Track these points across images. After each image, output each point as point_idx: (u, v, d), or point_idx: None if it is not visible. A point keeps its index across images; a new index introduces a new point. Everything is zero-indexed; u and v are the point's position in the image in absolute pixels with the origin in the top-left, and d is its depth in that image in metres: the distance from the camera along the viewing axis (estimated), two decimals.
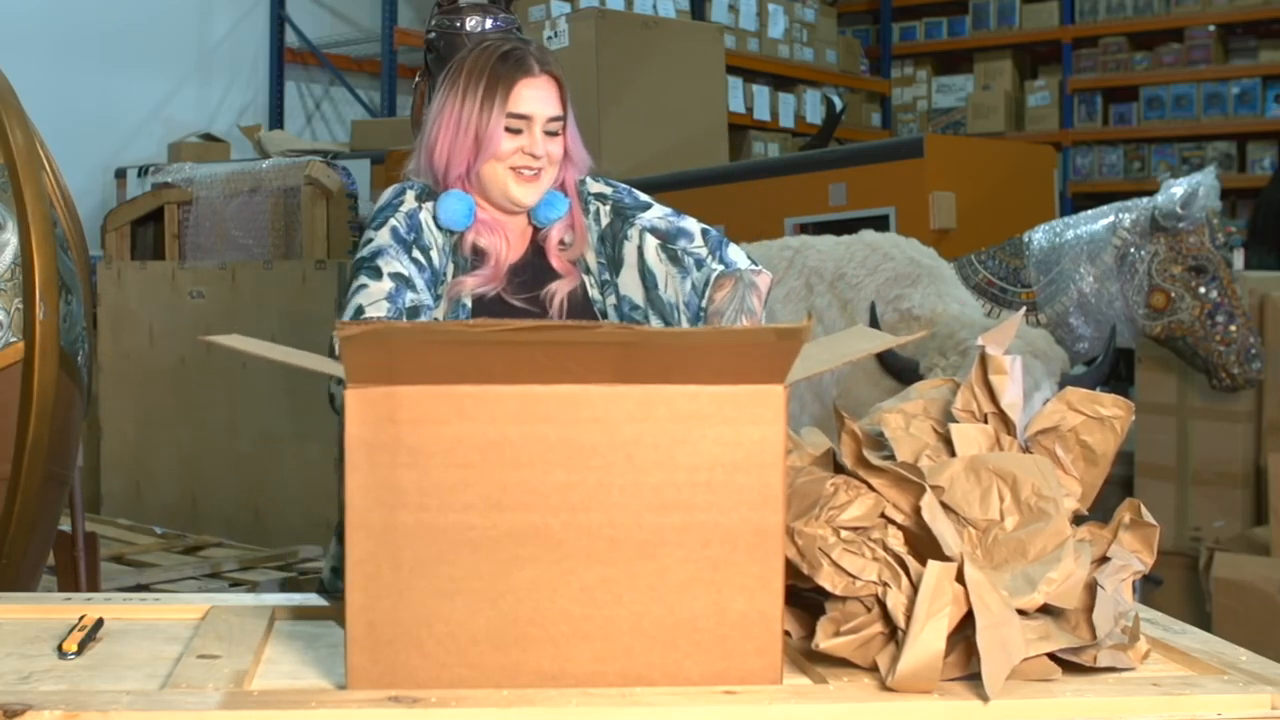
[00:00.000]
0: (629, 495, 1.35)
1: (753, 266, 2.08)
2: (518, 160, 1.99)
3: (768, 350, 1.35)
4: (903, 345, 2.96)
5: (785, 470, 1.38)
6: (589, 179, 2.12)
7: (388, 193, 2.07)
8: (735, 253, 2.09)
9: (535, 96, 1.99)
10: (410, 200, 2.03)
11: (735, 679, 1.36)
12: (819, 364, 1.53)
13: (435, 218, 2.01)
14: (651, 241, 2.05)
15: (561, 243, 2.07)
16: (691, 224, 2.09)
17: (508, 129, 1.98)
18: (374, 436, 1.35)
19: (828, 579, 1.40)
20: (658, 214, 2.10)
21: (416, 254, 1.97)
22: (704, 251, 2.06)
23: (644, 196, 2.14)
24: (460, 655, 1.35)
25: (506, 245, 2.04)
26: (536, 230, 2.08)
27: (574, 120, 2.06)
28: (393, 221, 1.99)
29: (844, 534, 1.42)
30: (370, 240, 1.97)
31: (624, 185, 2.15)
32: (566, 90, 2.04)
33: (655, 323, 2.04)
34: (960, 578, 1.35)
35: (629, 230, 2.07)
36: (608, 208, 2.10)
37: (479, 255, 2.03)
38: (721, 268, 2.05)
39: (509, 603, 1.35)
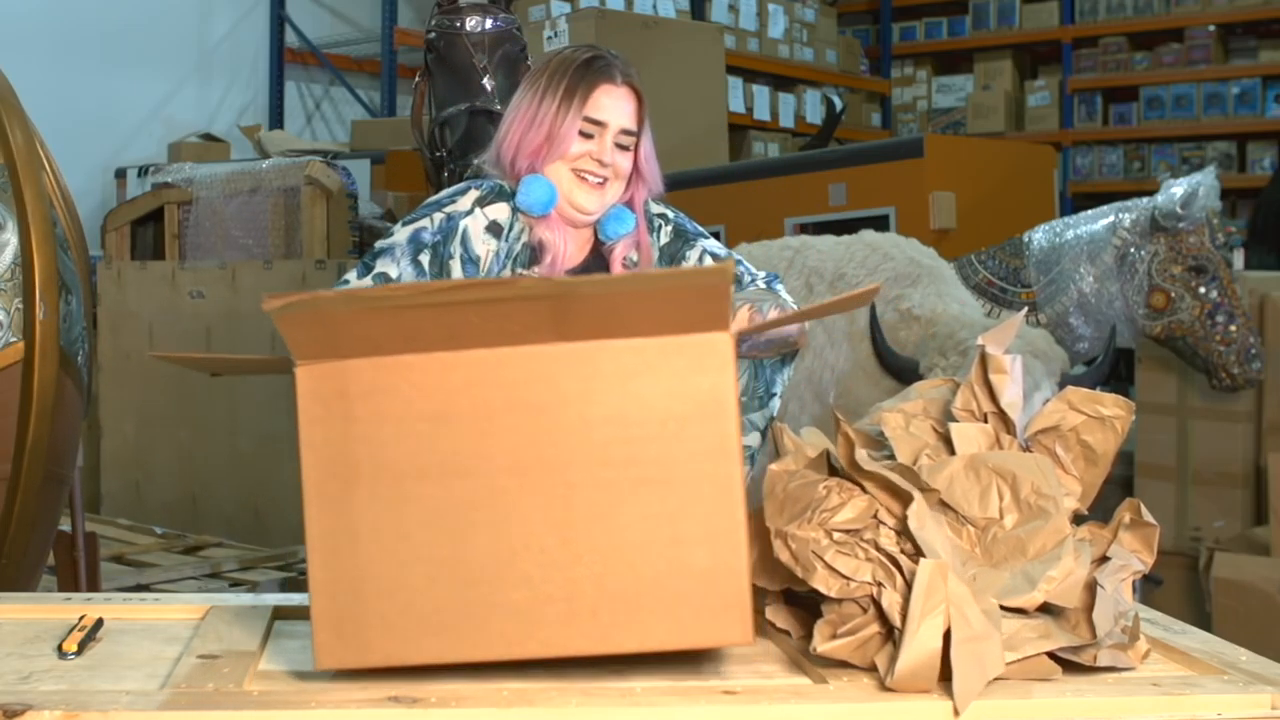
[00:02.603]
0: (582, 454, 1.35)
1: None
2: (584, 165, 1.98)
3: (698, 293, 1.33)
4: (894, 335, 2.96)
5: (739, 420, 1.37)
6: (651, 201, 2.11)
7: (452, 189, 2.07)
8: (783, 289, 2.09)
9: (613, 105, 1.98)
10: (465, 203, 2.01)
11: (705, 638, 1.35)
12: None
13: (514, 205, 2.00)
14: (709, 261, 2.06)
15: (627, 260, 2.06)
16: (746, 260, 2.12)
17: (581, 132, 1.97)
18: (326, 412, 1.36)
19: (822, 582, 1.40)
20: (716, 244, 2.12)
21: (425, 257, 1.96)
22: (758, 273, 2.08)
23: (702, 229, 2.16)
24: (423, 625, 1.34)
25: (566, 248, 2.02)
26: (601, 244, 2.07)
27: (650, 140, 2.05)
28: (423, 223, 1.98)
29: (836, 536, 1.42)
30: (392, 233, 1.98)
31: (683, 213, 2.16)
32: (645, 108, 2.03)
33: None
34: None
35: (688, 251, 2.08)
36: (669, 228, 2.10)
37: (539, 252, 2.02)
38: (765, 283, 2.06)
39: (469, 569, 1.34)
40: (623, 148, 2.00)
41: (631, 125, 2.00)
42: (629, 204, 2.05)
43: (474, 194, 2.02)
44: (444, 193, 2.05)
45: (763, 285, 2.07)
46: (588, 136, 1.98)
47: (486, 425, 1.35)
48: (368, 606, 1.35)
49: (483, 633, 1.34)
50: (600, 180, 1.99)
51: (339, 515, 1.36)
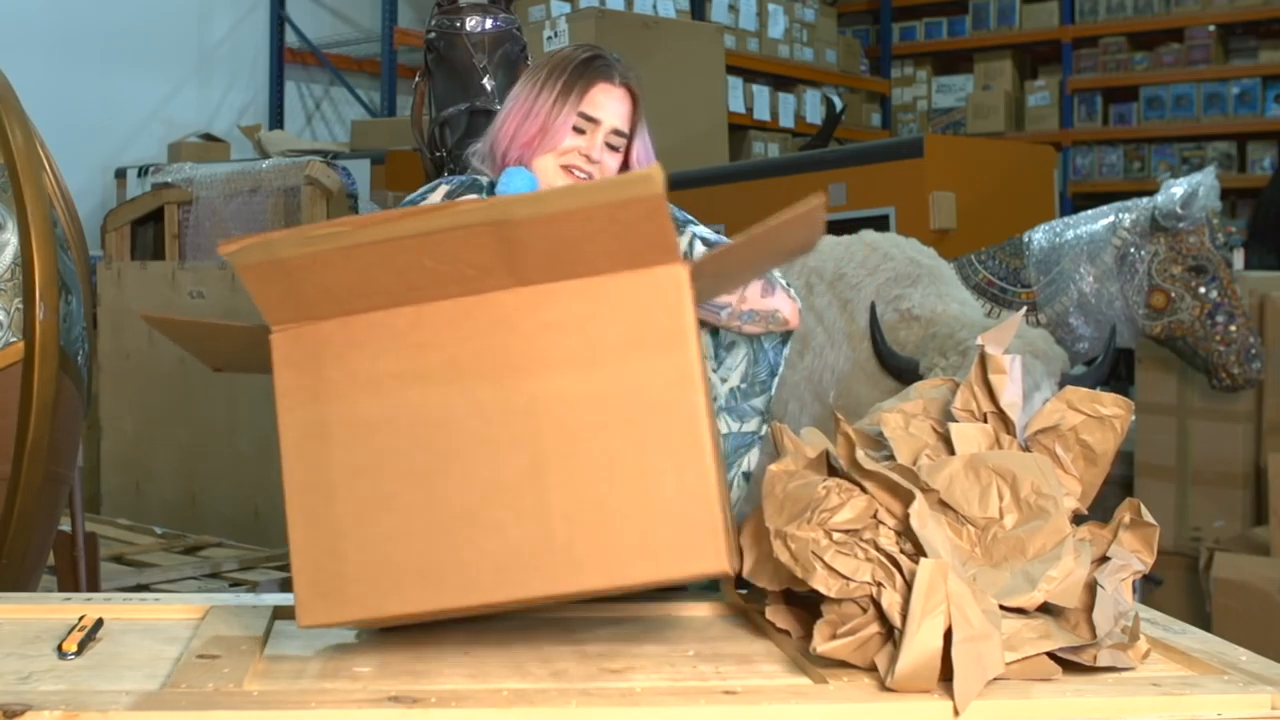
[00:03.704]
0: (546, 397, 1.37)
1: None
2: (572, 159, 1.99)
3: (637, 206, 1.33)
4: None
5: (700, 348, 1.38)
6: None
7: (424, 187, 2.09)
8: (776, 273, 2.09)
9: (608, 104, 2.00)
10: (435, 199, 2.03)
11: (680, 569, 1.35)
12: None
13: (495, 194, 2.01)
14: (700, 247, 2.06)
15: None
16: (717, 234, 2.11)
17: (575, 127, 1.99)
18: (300, 376, 1.40)
19: (821, 582, 1.40)
20: (707, 230, 2.12)
21: None
22: None
23: (692, 217, 2.15)
24: (399, 577, 1.36)
25: None
26: None
27: (647, 144, 2.06)
28: None
29: (836, 536, 1.41)
30: None
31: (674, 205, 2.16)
32: (640, 111, 2.04)
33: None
34: None
35: (679, 236, 2.07)
36: None
37: None
38: None
39: (442, 518, 1.36)
40: (612, 148, 2.01)
41: (624, 126, 2.01)
42: None
43: (444, 189, 2.05)
44: (416, 192, 2.07)
45: None
46: (580, 132, 1.99)
47: (453, 376, 1.38)
48: (345, 562, 1.38)
49: (458, 581, 1.36)
50: (585, 176, 2.00)
51: (315, 474, 1.39)
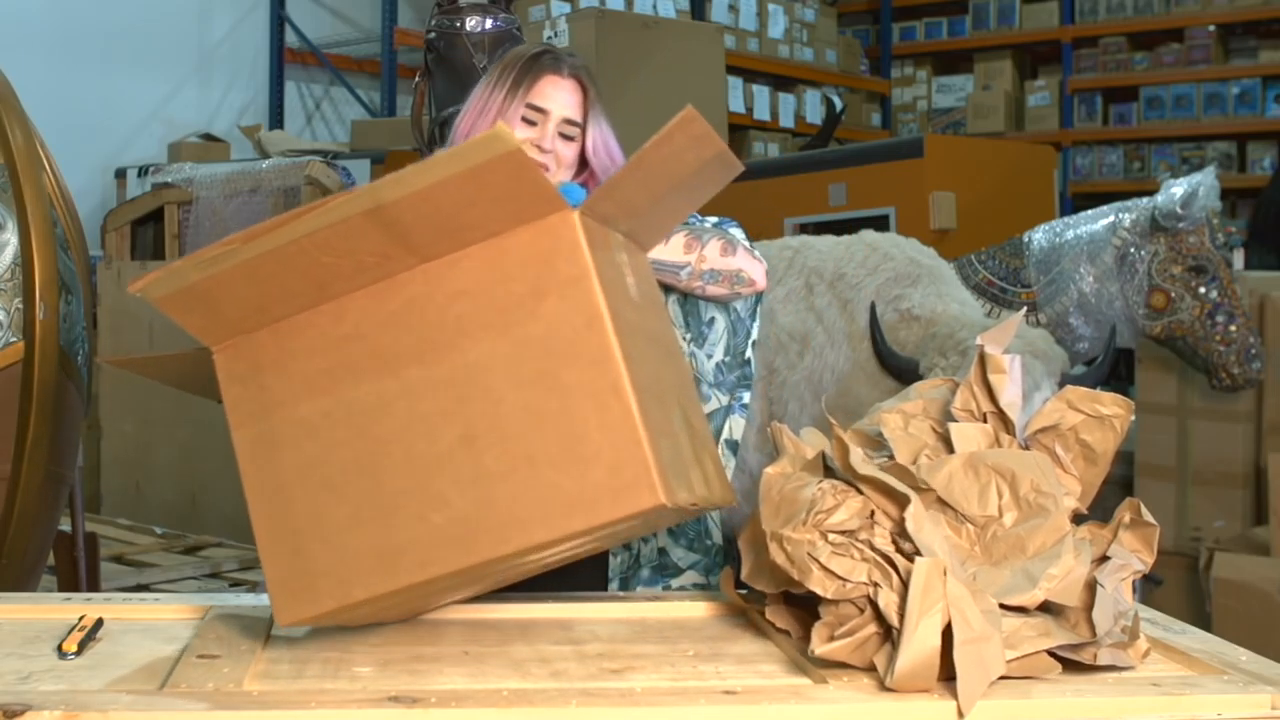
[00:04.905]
0: (467, 366, 1.40)
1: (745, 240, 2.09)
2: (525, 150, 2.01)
3: (499, 170, 1.35)
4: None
5: (602, 290, 1.39)
6: None
7: None
8: (738, 232, 2.10)
9: (556, 94, 2.03)
10: None
11: (617, 508, 1.35)
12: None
13: None
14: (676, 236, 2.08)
15: None
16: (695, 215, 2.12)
17: (524, 119, 2.02)
18: (244, 389, 1.47)
19: (818, 584, 1.40)
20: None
21: None
22: (708, 219, 2.11)
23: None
24: (358, 563, 1.39)
25: None
26: None
27: (605, 133, 2.08)
28: None
29: (832, 537, 1.41)
30: None
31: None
32: (592, 99, 2.06)
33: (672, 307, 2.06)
34: None
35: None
36: None
37: None
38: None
39: (388, 501, 1.39)
40: (566, 137, 2.04)
41: (575, 116, 2.04)
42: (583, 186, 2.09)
43: None
44: None
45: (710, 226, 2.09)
46: (531, 124, 2.02)
47: (380, 363, 1.42)
48: (310, 558, 1.41)
49: (413, 557, 1.38)
50: (540, 166, 2.01)
51: (270, 480, 1.44)
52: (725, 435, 2.11)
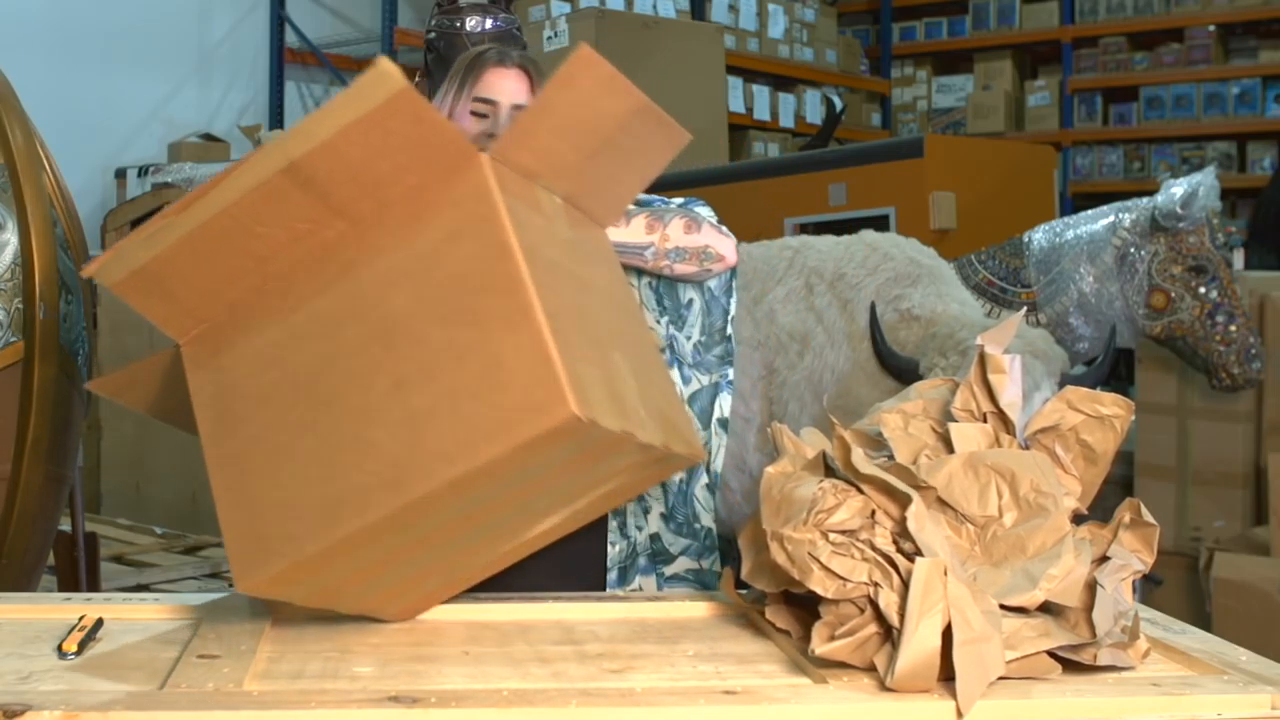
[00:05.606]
0: (393, 312, 1.44)
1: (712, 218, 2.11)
2: (479, 143, 2.03)
3: (398, 114, 1.39)
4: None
5: (512, 225, 1.43)
6: None
7: None
8: (705, 210, 2.12)
9: (501, 84, 2.07)
10: None
11: (531, 427, 1.35)
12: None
13: None
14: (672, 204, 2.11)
15: None
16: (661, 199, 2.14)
17: (473, 112, 2.07)
18: (207, 376, 1.52)
19: (819, 584, 1.40)
20: (655, 197, 2.15)
21: None
22: (672, 205, 2.12)
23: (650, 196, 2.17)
24: (307, 518, 1.41)
25: None
26: None
27: None
28: None
29: (832, 537, 1.41)
30: None
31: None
32: (539, 85, 2.08)
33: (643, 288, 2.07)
34: None
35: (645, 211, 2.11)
36: None
37: None
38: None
39: (329, 454, 1.42)
40: None
41: (525, 102, 2.07)
42: None
43: None
44: None
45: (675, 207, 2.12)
46: (482, 116, 2.07)
47: (321, 328, 1.47)
48: (263, 521, 1.43)
49: (353, 504, 1.39)
50: None
51: (229, 456, 1.48)
52: (716, 414, 2.13)
